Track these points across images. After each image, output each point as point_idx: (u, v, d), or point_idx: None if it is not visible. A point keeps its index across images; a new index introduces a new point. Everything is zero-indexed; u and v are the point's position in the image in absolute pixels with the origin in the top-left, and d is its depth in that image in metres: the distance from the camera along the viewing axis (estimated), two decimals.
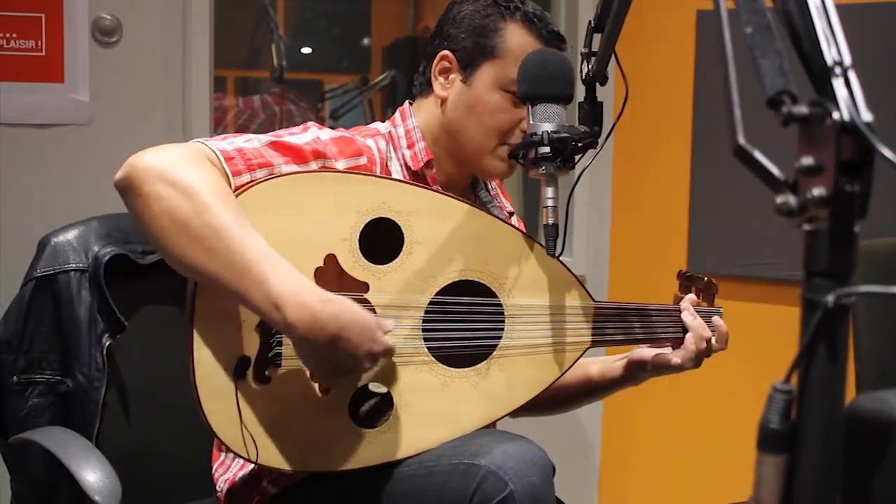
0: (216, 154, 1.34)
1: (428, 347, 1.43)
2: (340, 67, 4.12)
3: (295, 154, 1.40)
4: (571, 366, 1.52)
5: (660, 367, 1.58)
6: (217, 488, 1.54)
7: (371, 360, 1.29)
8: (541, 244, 1.46)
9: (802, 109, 0.71)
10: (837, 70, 0.72)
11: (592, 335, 1.53)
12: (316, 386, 1.37)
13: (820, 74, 0.72)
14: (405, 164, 1.55)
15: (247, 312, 1.31)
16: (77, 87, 2.16)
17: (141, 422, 1.74)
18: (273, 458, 1.34)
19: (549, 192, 1.40)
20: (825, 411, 0.71)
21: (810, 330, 0.70)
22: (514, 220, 1.70)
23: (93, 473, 1.43)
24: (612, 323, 1.55)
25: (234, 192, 1.32)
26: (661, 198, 2.79)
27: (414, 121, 1.58)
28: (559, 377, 1.52)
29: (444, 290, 1.43)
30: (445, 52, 1.55)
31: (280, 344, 1.34)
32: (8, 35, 2.10)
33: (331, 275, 1.37)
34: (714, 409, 2.72)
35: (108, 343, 1.68)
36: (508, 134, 1.53)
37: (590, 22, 1.45)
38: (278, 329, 1.29)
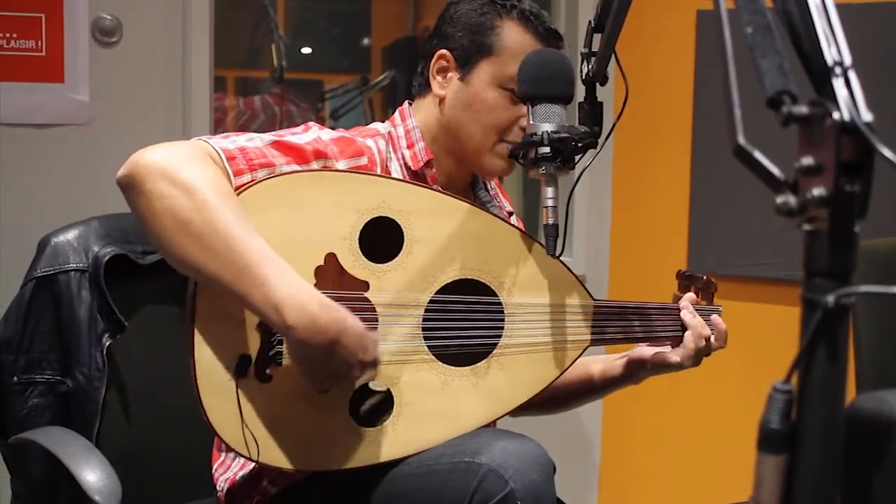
0: (218, 153, 1.34)
1: (428, 346, 1.43)
2: (340, 67, 4.12)
3: (297, 154, 1.40)
4: (571, 364, 1.53)
5: (659, 366, 1.58)
6: (217, 488, 1.54)
7: (361, 368, 1.30)
8: (540, 243, 1.46)
9: (802, 109, 0.71)
10: (837, 70, 0.72)
11: (592, 334, 1.53)
12: None
13: (820, 74, 0.72)
14: (405, 163, 1.55)
15: (248, 311, 1.31)
16: (77, 87, 2.16)
17: (141, 422, 1.74)
18: (274, 456, 1.35)
19: (549, 192, 1.40)
20: (825, 411, 0.71)
21: (810, 330, 0.70)
22: (513, 219, 1.70)
23: (93, 473, 1.43)
24: (611, 321, 1.55)
25: (235, 191, 1.32)
26: (661, 198, 2.79)
27: (413, 121, 1.58)
28: (559, 376, 1.52)
29: (444, 289, 1.44)
30: (443, 51, 1.56)
31: (281, 342, 1.34)
32: (8, 35, 2.10)
33: (331, 273, 1.37)
34: (714, 409, 2.72)
35: (108, 343, 1.68)
36: (507, 131, 1.53)
37: (590, 22, 1.45)
38: (277, 331, 1.29)
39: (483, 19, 1.54)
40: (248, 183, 1.34)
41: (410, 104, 1.62)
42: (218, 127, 2.96)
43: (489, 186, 1.70)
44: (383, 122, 1.62)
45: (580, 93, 1.47)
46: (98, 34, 2.17)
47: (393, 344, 1.40)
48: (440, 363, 1.44)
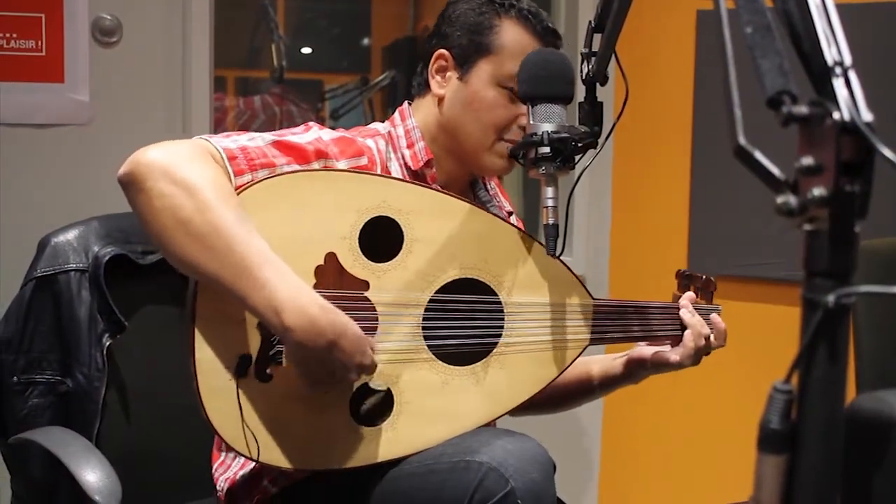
0: (219, 152, 1.34)
1: (428, 345, 1.43)
2: (340, 67, 4.12)
3: (298, 154, 1.40)
4: (571, 363, 1.53)
5: (659, 365, 1.58)
6: (217, 487, 1.54)
7: (359, 372, 1.31)
8: (540, 243, 1.46)
9: (802, 109, 0.71)
10: (837, 70, 0.72)
11: (592, 332, 1.53)
12: None
13: (820, 74, 0.72)
14: (405, 163, 1.55)
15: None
16: (77, 87, 2.16)
17: (141, 422, 1.74)
18: (274, 456, 1.35)
19: (549, 192, 1.40)
20: (825, 411, 0.71)
21: (810, 330, 0.70)
22: (513, 219, 1.70)
23: (93, 473, 1.43)
24: (611, 320, 1.55)
25: (235, 190, 1.32)
26: (661, 198, 2.79)
27: (413, 121, 1.58)
28: (559, 374, 1.52)
29: (444, 288, 1.44)
30: (442, 50, 1.56)
31: (281, 342, 1.34)
32: (8, 35, 2.10)
33: (331, 273, 1.37)
34: (714, 409, 2.72)
35: (108, 343, 1.68)
36: (506, 130, 1.53)
37: (590, 22, 1.45)
38: (276, 333, 1.29)
39: (481, 19, 1.54)
40: (249, 182, 1.34)
41: (410, 104, 1.62)
42: (218, 127, 2.96)
43: (489, 186, 1.70)
44: (383, 122, 1.62)
45: (580, 93, 1.48)
46: (98, 34, 2.17)
47: (393, 343, 1.40)
48: (440, 362, 1.44)
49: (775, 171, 0.71)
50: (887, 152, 0.68)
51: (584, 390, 1.72)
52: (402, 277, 1.41)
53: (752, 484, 0.73)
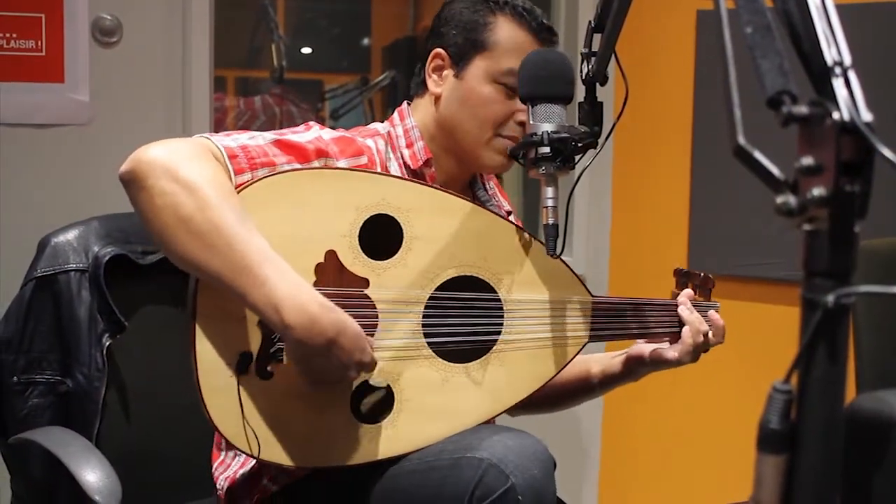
0: (220, 150, 1.35)
1: (428, 343, 1.43)
2: (340, 67, 4.12)
3: (298, 153, 1.41)
4: (571, 360, 1.53)
5: (657, 362, 1.58)
6: (217, 487, 1.55)
7: (358, 369, 1.31)
8: (540, 241, 1.47)
9: (802, 109, 0.71)
10: (837, 70, 0.72)
11: (591, 330, 1.54)
12: None
13: (820, 74, 0.72)
14: (404, 163, 1.56)
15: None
16: (77, 87, 2.16)
17: (141, 422, 1.74)
18: (275, 453, 1.35)
19: (549, 192, 1.40)
20: (825, 411, 0.71)
21: (810, 330, 0.70)
22: (511, 219, 1.70)
23: (93, 473, 1.43)
24: (610, 318, 1.55)
25: (236, 189, 1.32)
26: (661, 198, 2.79)
27: (412, 120, 1.59)
28: (559, 371, 1.52)
29: (444, 286, 1.44)
30: (438, 49, 1.57)
31: (281, 340, 1.34)
32: (8, 35, 2.10)
33: (331, 270, 1.37)
34: (714, 409, 2.72)
35: (108, 343, 1.68)
36: (502, 126, 1.54)
37: (590, 22, 1.46)
38: (276, 331, 1.29)
39: (476, 16, 1.55)
40: (249, 181, 1.35)
41: (409, 104, 1.63)
42: (218, 127, 2.96)
43: (487, 186, 1.71)
44: (382, 122, 1.63)
45: (580, 93, 1.48)
46: (98, 34, 2.17)
47: (393, 340, 1.40)
48: (440, 360, 1.44)
49: (775, 171, 0.71)
50: (887, 152, 0.68)
51: (584, 388, 1.72)
52: (401, 275, 1.41)
53: (752, 484, 0.73)
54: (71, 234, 1.72)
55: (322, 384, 1.33)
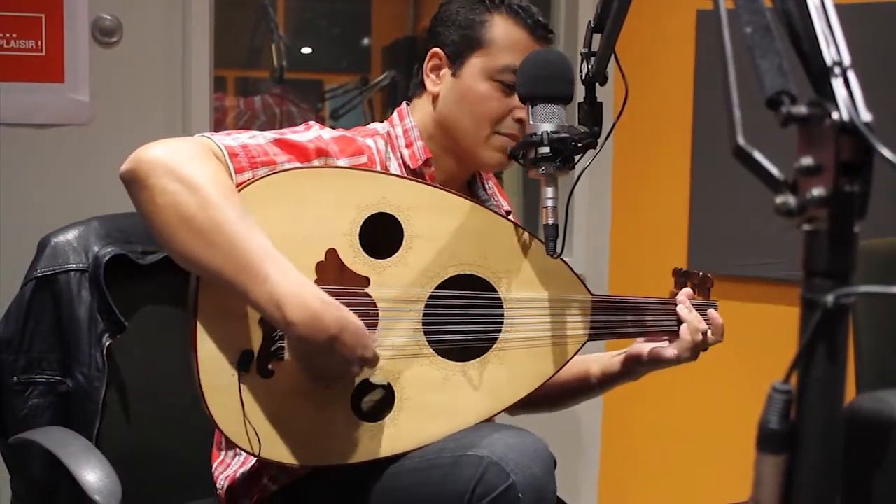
0: (221, 149, 1.35)
1: (428, 341, 1.43)
2: (340, 67, 4.12)
3: (298, 152, 1.41)
4: (571, 358, 1.53)
5: (656, 361, 1.59)
6: (217, 486, 1.55)
7: (361, 365, 1.31)
8: (540, 240, 1.47)
9: (802, 109, 0.71)
10: (837, 70, 0.72)
11: (590, 328, 1.54)
12: None
13: (819, 74, 0.72)
14: (404, 162, 1.56)
15: (250, 307, 1.31)
16: (77, 87, 2.16)
17: (141, 422, 1.74)
18: (275, 451, 1.35)
19: (549, 192, 1.40)
20: (825, 411, 0.71)
21: (810, 330, 0.70)
22: (511, 218, 1.70)
23: (93, 473, 1.43)
24: (609, 316, 1.56)
25: (236, 187, 1.33)
26: (661, 198, 2.79)
27: (411, 120, 1.59)
28: (559, 370, 1.52)
29: (444, 284, 1.44)
30: (435, 49, 1.58)
31: (283, 338, 1.35)
32: (8, 35, 2.10)
33: (332, 269, 1.37)
34: (714, 409, 2.72)
35: (108, 343, 1.68)
36: (500, 123, 1.55)
37: (590, 22, 1.46)
38: (278, 327, 1.29)
39: (472, 15, 1.56)
40: (250, 180, 1.35)
41: (408, 104, 1.63)
42: (218, 127, 2.96)
43: (486, 186, 1.71)
44: (382, 122, 1.63)
45: (580, 93, 1.48)
46: (98, 34, 2.17)
47: (394, 339, 1.40)
48: (440, 358, 1.44)
49: (774, 171, 0.71)
50: (886, 152, 0.68)
51: (583, 388, 1.72)
52: (402, 273, 1.41)
53: (752, 484, 0.73)
54: (71, 234, 1.72)
55: (325, 381, 1.33)
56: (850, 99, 0.70)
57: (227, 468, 1.54)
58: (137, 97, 2.22)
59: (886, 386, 2.01)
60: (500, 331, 1.48)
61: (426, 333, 1.43)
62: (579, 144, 1.40)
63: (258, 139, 1.40)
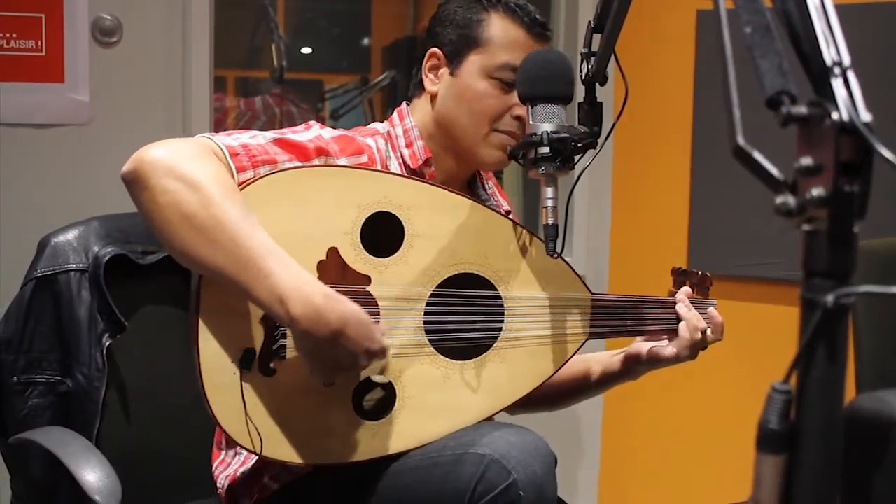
0: (221, 149, 1.35)
1: (429, 339, 1.43)
2: (340, 67, 4.12)
3: (299, 151, 1.41)
4: (571, 357, 1.54)
5: (655, 360, 1.59)
6: (217, 485, 1.55)
7: (368, 358, 1.30)
8: (539, 239, 1.47)
9: (801, 109, 0.71)
10: (836, 70, 0.72)
11: (590, 327, 1.54)
12: None
13: (819, 74, 0.72)
14: (404, 162, 1.56)
15: (252, 305, 1.32)
16: (77, 87, 2.16)
17: (141, 422, 1.74)
18: (277, 450, 1.35)
19: (549, 192, 1.40)
20: (824, 411, 0.71)
21: (810, 330, 0.70)
22: (510, 218, 1.70)
23: (93, 473, 1.43)
24: (609, 315, 1.56)
25: (238, 186, 1.33)
26: (661, 198, 2.79)
27: (411, 120, 1.60)
28: (559, 368, 1.53)
29: (445, 283, 1.45)
30: (434, 49, 1.59)
31: (284, 336, 1.35)
32: (8, 35, 2.10)
33: (333, 268, 1.37)
34: (714, 409, 2.72)
35: (108, 343, 1.68)
36: (498, 120, 1.55)
37: (590, 22, 1.46)
38: (281, 323, 1.29)
39: (470, 14, 1.57)
40: (251, 179, 1.35)
41: (408, 104, 1.63)
42: (218, 127, 2.96)
43: (486, 186, 1.71)
44: (382, 122, 1.63)
45: (580, 93, 1.48)
46: (98, 34, 2.17)
47: (395, 338, 1.40)
48: (441, 356, 1.44)
49: (774, 171, 0.71)
50: (886, 152, 0.68)
51: (583, 387, 1.73)
52: (403, 272, 1.41)
53: (752, 484, 0.73)
54: (71, 234, 1.72)
55: (332, 375, 1.33)
56: (849, 99, 0.70)
57: (228, 467, 1.54)
58: (137, 97, 2.22)
59: (886, 386, 2.01)
60: (500, 330, 1.48)
61: (427, 332, 1.43)
62: (579, 144, 1.40)
63: (258, 139, 1.40)
